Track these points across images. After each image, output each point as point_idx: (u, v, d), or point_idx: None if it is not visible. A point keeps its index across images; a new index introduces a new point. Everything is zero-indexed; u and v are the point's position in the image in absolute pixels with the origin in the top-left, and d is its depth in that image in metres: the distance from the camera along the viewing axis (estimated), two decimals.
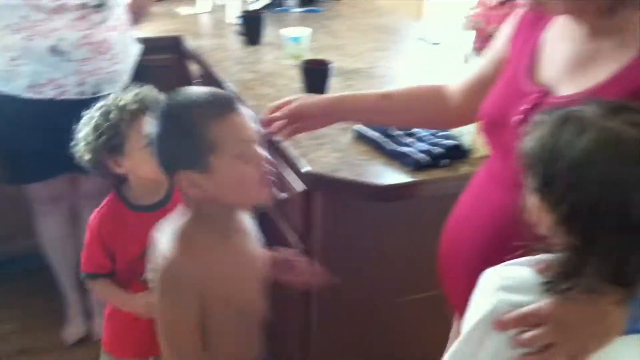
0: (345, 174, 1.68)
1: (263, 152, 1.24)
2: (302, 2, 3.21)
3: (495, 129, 1.17)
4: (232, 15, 2.83)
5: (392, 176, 1.65)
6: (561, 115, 0.90)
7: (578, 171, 0.84)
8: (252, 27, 2.67)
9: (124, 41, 2.34)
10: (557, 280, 0.88)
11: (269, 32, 2.76)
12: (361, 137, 1.84)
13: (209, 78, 2.52)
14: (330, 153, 1.78)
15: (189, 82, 2.74)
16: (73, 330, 2.63)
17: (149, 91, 1.73)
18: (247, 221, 1.41)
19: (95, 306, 2.63)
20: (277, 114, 1.49)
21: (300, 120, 1.49)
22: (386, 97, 1.51)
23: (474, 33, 2.33)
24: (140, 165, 1.65)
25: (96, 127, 1.65)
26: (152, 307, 1.58)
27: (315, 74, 2.12)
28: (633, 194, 0.83)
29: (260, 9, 2.88)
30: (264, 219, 2.07)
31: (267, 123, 1.48)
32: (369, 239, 1.79)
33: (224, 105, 1.21)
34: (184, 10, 3.09)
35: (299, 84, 2.19)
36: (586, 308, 0.88)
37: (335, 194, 1.72)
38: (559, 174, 0.86)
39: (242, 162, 1.21)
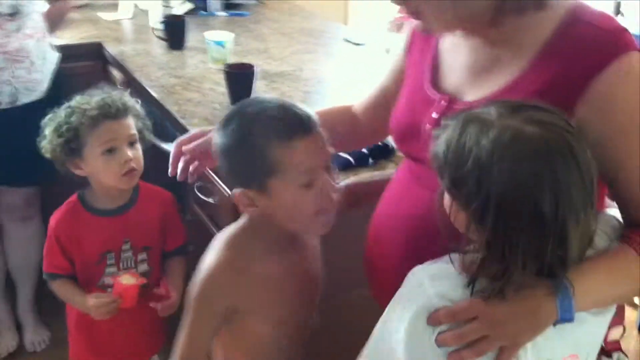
0: None
1: (328, 181, 1.15)
2: (227, 6, 3.18)
3: (407, 138, 1.18)
4: (155, 20, 2.79)
5: None
6: (464, 117, 0.92)
7: (484, 170, 0.86)
8: (175, 31, 2.64)
9: (41, 49, 2.27)
10: (484, 282, 0.90)
11: (193, 37, 2.72)
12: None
13: (131, 84, 2.47)
14: None
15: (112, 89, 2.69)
16: (4, 342, 2.54)
17: (119, 96, 1.69)
18: (312, 241, 1.33)
19: (25, 317, 2.56)
20: (190, 146, 1.39)
21: (205, 155, 1.38)
22: None
23: (398, 35, 2.35)
24: (98, 171, 1.65)
25: (57, 127, 1.64)
26: (103, 309, 1.59)
27: (240, 78, 2.10)
28: (538, 188, 0.85)
29: (183, 13, 2.84)
30: (193, 225, 2.04)
31: (174, 162, 1.43)
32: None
33: (293, 128, 1.10)
34: (106, 15, 3.03)
35: (224, 88, 2.16)
36: (516, 302, 0.90)
37: None
38: (467, 174, 0.88)
39: (302, 190, 1.12)
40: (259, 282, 1.20)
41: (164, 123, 2.21)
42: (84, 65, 2.71)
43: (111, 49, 2.64)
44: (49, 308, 2.68)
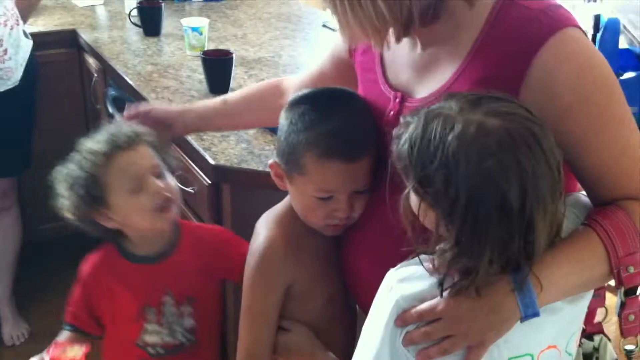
0: (252, 164, 1.66)
1: (343, 206, 1.14)
2: None
3: None
4: (130, 6, 2.75)
5: None
6: (426, 114, 0.91)
7: (451, 167, 0.86)
8: (150, 18, 2.61)
9: (14, 37, 2.23)
10: (450, 280, 0.90)
11: (169, 23, 2.70)
12: (266, 128, 1.82)
13: (107, 72, 2.44)
14: (236, 145, 1.75)
15: (87, 77, 2.66)
16: None
17: (125, 125, 1.44)
18: None
19: (3, 311, 2.54)
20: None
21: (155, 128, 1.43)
22: (224, 101, 1.51)
23: None
24: (129, 214, 1.39)
25: (71, 181, 1.40)
26: None
27: (218, 65, 2.08)
28: (505, 180, 0.85)
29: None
30: None
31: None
32: None
33: (333, 150, 1.10)
34: (80, 2, 2.98)
35: (201, 75, 2.14)
36: (480, 300, 0.90)
37: (243, 185, 1.69)
38: (434, 172, 0.87)
39: (318, 201, 1.14)
40: (310, 257, 1.20)
41: None
42: (59, 52, 2.68)
43: (86, 36, 2.60)
44: (27, 302, 2.67)
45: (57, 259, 2.88)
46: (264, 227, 1.23)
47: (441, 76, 1.04)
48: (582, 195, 1.04)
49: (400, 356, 0.94)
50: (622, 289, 0.98)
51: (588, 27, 2.87)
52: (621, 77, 2.87)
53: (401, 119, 0.95)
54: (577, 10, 3.09)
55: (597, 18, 2.80)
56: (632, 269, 0.95)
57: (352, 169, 1.11)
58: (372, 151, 1.12)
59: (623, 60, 2.93)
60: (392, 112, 1.09)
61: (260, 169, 1.64)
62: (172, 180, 1.41)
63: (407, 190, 0.93)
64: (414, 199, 0.93)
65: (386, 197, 0.98)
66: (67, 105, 2.74)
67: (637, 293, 1.00)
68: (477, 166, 0.85)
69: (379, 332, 0.96)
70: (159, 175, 1.39)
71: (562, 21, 0.97)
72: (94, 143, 1.40)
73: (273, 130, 1.80)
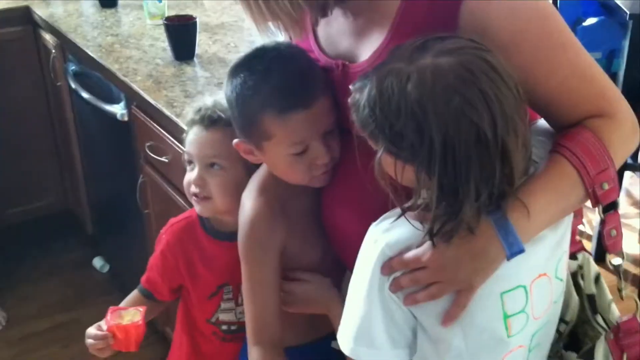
0: None
1: (321, 150, 1.11)
2: None
3: None
4: None
5: None
6: (376, 74, 0.90)
7: (419, 117, 0.85)
8: None
9: None
10: (438, 226, 0.90)
11: None
12: None
13: (66, 47, 2.37)
14: None
15: (44, 54, 2.58)
16: None
17: (207, 105, 1.32)
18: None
19: None
20: None
21: None
22: None
23: None
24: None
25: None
26: (95, 346, 1.35)
27: (181, 31, 2.03)
28: (474, 112, 0.85)
29: None
30: (148, 185, 1.99)
31: None
32: None
33: (291, 102, 1.07)
34: None
35: (164, 43, 2.09)
36: (464, 246, 0.91)
37: None
38: (403, 127, 0.86)
39: (294, 158, 1.11)
40: (298, 218, 1.19)
41: (106, 85, 2.13)
42: (13, 31, 2.59)
43: (40, 11, 2.52)
44: (2, 288, 2.62)
45: (26, 244, 2.84)
46: (248, 198, 1.21)
47: (377, 36, 1.03)
48: (543, 121, 1.04)
49: (389, 302, 0.95)
50: (600, 207, 0.98)
51: None
52: (583, 24, 2.90)
53: (351, 87, 0.94)
54: None
55: None
56: (606, 186, 0.95)
57: (313, 113, 1.08)
58: (324, 89, 1.09)
59: (584, 7, 2.95)
60: (337, 81, 1.08)
61: None
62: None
63: (379, 154, 0.92)
64: (388, 161, 0.92)
65: (359, 166, 0.96)
66: (26, 84, 2.67)
67: (615, 208, 1.00)
68: (444, 107, 0.84)
69: (367, 281, 0.96)
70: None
71: None
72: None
73: None
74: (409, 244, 0.94)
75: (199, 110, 1.33)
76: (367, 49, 1.05)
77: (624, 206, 3.02)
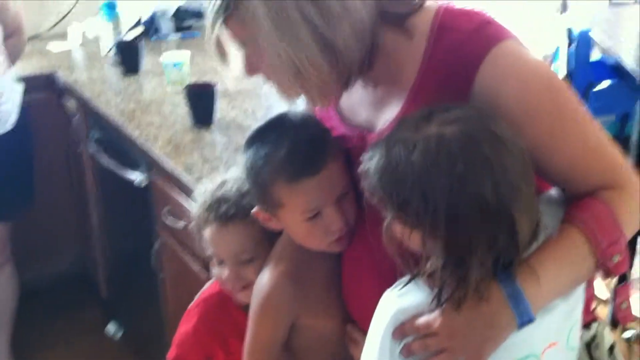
0: None
1: (335, 215, 1.12)
2: (178, 28, 3.16)
3: None
4: (107, 46, 2.75)
5: None
6: (385, 143, 0.94)
7: (424, 184, 0.88)
8: (129, 56, 2.61)
9: (6, 81, 2.26)
10: (446, 292, 0.92)
11: (147, 61, 2.69)
12: None
13: (89, 112, 2.43)
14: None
15: (67, 119, 2.64)
16: None
17: (218, 197, 1.29)
18: None
19: None
20: None
21: None
22: None
23: None
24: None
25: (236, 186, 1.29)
26: None
27: (202, 98, 2.09)
28: (478, 180, 0.87)
29: (134, 38, 2.81)
30: (163, 251, 2.01)
31: None
32: None
33: (300, 170, 1.10)
34: (55, 47, 2.97)
35: (185, 109, 2.14)
36: (475, 313, 0.91)
37: None
38: (409, 194, 0.89)
39: (309, 224, 1.13)
40: (316, 288, 1.20)
41: (127, 150, 2.18)
42: (38, 97, 2.66)
43: (65, 78, 2.59)
44: (17, 356, 2.61)
45: (41, 309, 2.83)
46: (268, 264, 1.22)
47: (394, 106, 1.06)
48: (554, 192, 1.05)
49: None
50: (611, 279, 1.01)
51: (561, 39, 2.92)
52: (596, 88, 2.92)
53: (362, 157, 0.97)
54: (549, 22, 3.14)
55: (569, 31, 2.85)
56: (617, 258, 0.96)
57: (323, 179, 1.10)
58: (334, 154, 1.12)
59: (596, 71, 2.98)
60: (356, 149, 1.10)
61: None
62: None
63: (387, 220, 0.95)
64: (396, 226, 0.94)
65: (368, 234, 1.00)
66: (48, 148, 2.72)
67: (626, 280, 1.03)
68: (448, 174, 0.87)
69: (378, 344, 0.97)
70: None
71: (493, 38, 0.99)
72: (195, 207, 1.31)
73: None
74: (421, 309, 0.95)
75: (211, 206, 1.28)
76: (385, 119, 1.07)
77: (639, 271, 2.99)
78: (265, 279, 1.20)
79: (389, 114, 1.07)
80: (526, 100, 0.98)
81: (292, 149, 1.11)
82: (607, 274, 0.98)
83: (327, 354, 1.23)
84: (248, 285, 1.25)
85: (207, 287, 1.43)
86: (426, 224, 0.89)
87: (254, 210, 1.20)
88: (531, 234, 0.94)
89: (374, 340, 0.98)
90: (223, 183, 1.31)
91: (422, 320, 0.94)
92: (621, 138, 2.78)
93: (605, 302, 1.07)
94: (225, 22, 1.01)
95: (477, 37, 0.99)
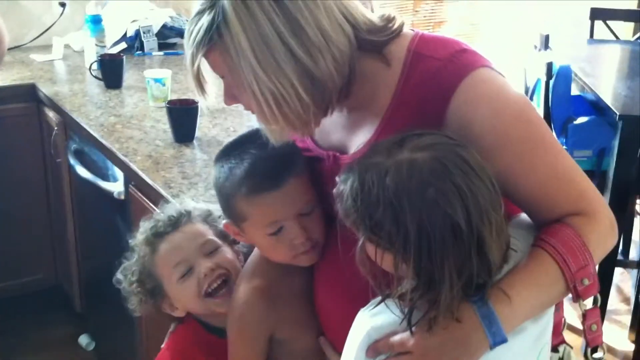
0: None
1: (297, 231, 1.15)
2: (161, 46, 3.16)
3: None
4: (90, 60, 2.74)
5: None
6: (358, 168, 0.96)
7: (396, 209, 0.90)
8: (111, 70, 2.60)
9: None
10: (417, 314, 0.94)
11: (130, 76, 2.69)
12: None
13: (68, 125, 2.42)
14: (205, 191, 1.74)
15: (47, 131, 2.63)
16: None
17: (163, 210, 1.40)
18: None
19: None
20: None
21: None
22: None
23: None
24: (184, 301, 1.32)
25: (130, 279, 1.36)
26: None
27: (183, 114, 2.08)
28: (448, 204, 0.89)
29: (118, 52, 2.81)
30: None
31: None
32: None
33: (260, 185, 1.13)
34: (39, 57, 2.96)
35: (165, 125, 2.14)
36: (448, 334, 0.93)
37: None
38: (382, 218, 0.91)
39: (272, 238, 1.16)
40: (290, 302, 1.21)
41: (105, 163, 2.17)
42: (17, 107, 2.65)
43: (46, 89, 2.58)
44: None
45: (12, 319, 2.79)
46: (241, 280, 1.23)
47: (368, 130, 1.08)
48: (524, 215, 1.07)
49: None
50: (581, 301, 1.01)
51: (541, 74, 2.97)
52: (574, 122, 2.97)
53: (337, 178, 0.99)
54: (530, 57, 3.19)
55: (549, 65, 2.90)
56: (586, 281, 0.99)
57: (282, 195, 1.13)
58: (297, 171, 1.15)
59: (575, 106, 3.04)
60: (327, 171, 1.12)
61: None
62: (228, 253, 1.32)
63: (360, 242, 0.96)
64: (369, 247, 0.96)
65: (340, 255, 1.00)
66: (27, 159, 2.70)
67: (596, 303, 1.03)
68: (419, 199, 0.89)
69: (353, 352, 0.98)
70: (211, 252, 1.31)
71: (468, 65, 1.01)
72: (141, 233, 1.36)
73: None
74: (394, 328, 0.96)
75: (154, 226, 1.34)
76: (358, 142, 1.09)
77: (615, 302, 3.02)
78: (238, 295, 1.21)
79: (362, 137, 1.08)
80: (497, 126, 1.00)
81: (253, 164, 1.15)
82: (577, 297, 0.99)
83: None
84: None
85: (173, 328, 1.40)
86: (398, 247, 0.91)
87: (224, 222, 1.24)
88: (502, 257, 0.95)
89: (348, 357, 1.00)
90: None
91: (396, 338, 0.95)
92: (598, 173, 2.83)
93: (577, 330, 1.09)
94: (206, 54, 1.01)
95: (452, 65, 1.01)
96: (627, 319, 2.87)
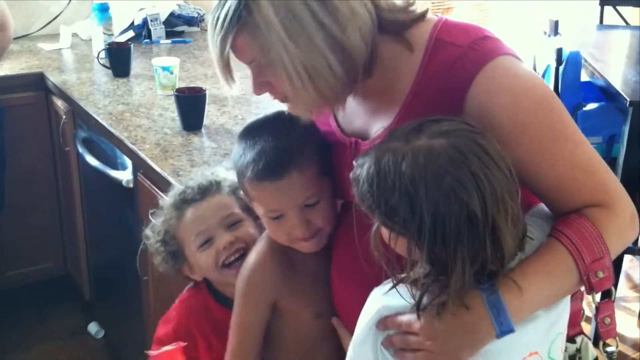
0: None
1: (295, 222, 1.17)
2: (169, 34, 3.15)
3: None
4: (98, 49, 2.74)
5: None
6: (375, 153, 0.95)
7: (412, 195, 0.90)
8: (119, 59, 2.60)
9: None
10: (428, 299, 0.94)
11: (138, 64, 2.69)
12: None
13: (77, 113, 2.42)
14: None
15: (55, 119, 2.63)
16: None
17: (203, 174, 1.43)
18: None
19: None
20: None
21: None
22: None
23: None
24: (202, 269, 1.37)
25: (156, 238, 1.40)
26: None
27: (191, 102, 2.08)
28: (464, 192, 0.89)
29: (126, 41, 2.81)
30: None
31: None
32: None
33: (260, 172, 1.15)
34: (46, 46, 2.96)
35: (174, 113, 2.14)
36: (456, 320, 0.93)
37: None
38: (397, 204, 0.91)
39: (274, 222, 1.19)
40: (298, 273, 1.23)
41: (115, 152, 2.17)
42: (26, 96, 2.65)
43: (54, 78, 2.58)
44: (5, 349, 2.59)
45: (22, 308, 2.81)
46: (257, 243, 1.28)
47: (388, 116, 1.07)
48: (543, 205, 1.07)
49: (379, 355, 1.00)
50: (594, 294, 1.00)
51: (550, 60, 2.95)
52: (584, 109, 2.95)
53: (354, 163, 0.99)
54: (539, 43, 3.17)
55: (559, 51, 2.88)
56: (600, 274, 0.97)
57: (284, 186, 1.15)
58: (301, 165, 1.15)
59: (585, 92, 3.01)
60: (349, 157, 1.11)
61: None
62: (250, 227, 1.36)
63: (375, 227, 0.97)
64: (384, 232, 0.96)
65: (356, 240, 1.00)
66: (35, 148, 2.71)
67: (610, 296, 1.03)
68: (435, 187, 0.89)
69: (363, 334, 1.01)
70: (233, 224, 1.35)
71: (488, 53, 1.00)
72: (170, 197, 1.41)
73: None
74: (405, 310, 0.97)
75: (183, 192, 1.39)
76: (377, 128, 1.09)
77: (624, 289, 3.01)
78: (250, 257, 1.25)
79: (382, 123, 1.08)
80: (517, 115, 0.99)
81: (261, 150, 1.16)
82: (590, 290, 0.98)
83: (305, 346, 1.26)
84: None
85: (185, 291, 1.45)
86: (412, 233, 0.91)
87: (241, 196, 1.28)
88: (516, 246, 0.95)
89: (359, 330, 1.02)
90: None
91: (404, 318, 0.96)
92: (608, 159, 2.81)
93: (587, 319, 1.08)
94: (234, 38, 1.00)
95: (473, 52, 1.00)
96: (635, 307, 2.86)
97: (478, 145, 0.92)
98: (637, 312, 2.82)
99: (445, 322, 0.93)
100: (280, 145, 1.15)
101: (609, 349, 1.05)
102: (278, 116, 1.19)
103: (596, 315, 1.03)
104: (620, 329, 2.75)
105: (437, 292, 0.93)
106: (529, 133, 0.99)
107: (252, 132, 1.20)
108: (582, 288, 1.01)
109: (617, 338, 1.06)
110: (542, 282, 0.96)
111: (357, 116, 1.14)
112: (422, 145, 0.92)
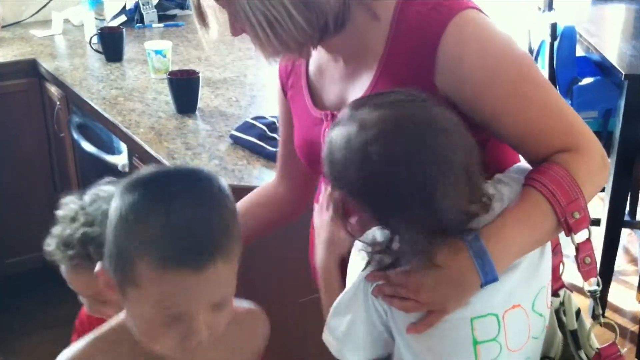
0: (226, 180, 1.64)
1: (198, 328, 0.89)
2: (161, 18, 3.13)
3: (311, 163, 1.21)
4: (90, 33, 2.72)
5: (272, 177, 1.63)
6: (334, 123, 1.00)
7: (355, 162, 0.94)
8: (111, 43, 2.58)
9: None
10: (383, 256, 1.00)
11: (131, 49, 2.68)
12: (237, 143, 1.81)
13: (71, 99, 2.41)
14: (209, 161, 1.73)
15: (49, 106, 2.62)
16: None
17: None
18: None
19: None
20: None
21: None
22: None
23: None
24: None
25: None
26: None
27: (185, 85, 2.07)
28: (391, 166, 0.92)
29: (118, 25, 2.79)
30: None
31: None
32: (263, 242, 1.75)
33: (173, 255, 0.85)
34: (38, 32, 2.94)
35: (167, 97, 2.13)
36: (442, 272, 0.95)
37: None
38: (338, 174, 0.97)
39: (160, 321, 0.89)
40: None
41: (110, 137, 2.16)
42: (19, 83, 2.64)
43: (47, 64, 2.56)
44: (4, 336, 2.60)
45: (21, 295, 2.81)
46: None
47: (360, 86, 1.10)
48: (523, 162, 1.09)
49: (370, 308, 1.04)
50: (573, 235, 1.02)
51: (545, 35, 2.94)
52: (579, 84, 2.94)
53: (322, 139, 1.04)
54: (534, 19, 3.15)
55: (553, 26, 2.86)
56: (577, 215, 0.99)
57: (204, 279, 0.86)
58: (230, 251, 0.89)
59: (580, 67, 3.00)
60: (325, 131, 1.13)
61: (235, 183, 1.62)
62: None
63: (330, 191, 1.05)
64: (335, 195, 1.04)
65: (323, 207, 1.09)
66: (30, 135, 2.70)
67: (587, 236, 1.04)
68: (363, 157, 0.93)
69: (353, 287, 1.04)
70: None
71: (454, 8, 1.02)
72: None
73: (245, 145, 1.79)
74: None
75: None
76: (355, 94, 1.10)
77: (622, 263, 3.02)
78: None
79: (359, 91, 1.10)
80: (485, 60, 1.01)
81: (181, 221, 0.86)
82: (569, 231, 1.00)
83: None
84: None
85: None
86: (354, 198, 0.98)
87: (97, 269, 0.96)
88: (477, 205, 0.97)
89: (349, 284, 1.05)
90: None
91: (394, 272, 0.99)
92: (604, 134, 2.81)
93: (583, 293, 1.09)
94: None
95: (438, 11, 1.02)
96: (634, 280, 2.88)
97: (425, 112, 0.95)
98: (636, 285, 2.83)
99: (431, 276, 0.96)
100: (210, 218, 0.88)
101: (592, 288, 1.06)
102: (192, 171, 0.99)
103: (576, 256, 1.04)
104: (619, 302, 2.77)
105: (392, 251, 0.97)
106: (499, 78, 1.01)
107: (159, 187, 0.89)
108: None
109: (599, 278, 1.07)
110: (523, 228, 0.98)
111: (333, 85, 1.16)
112: (361, 117, 0.95)
